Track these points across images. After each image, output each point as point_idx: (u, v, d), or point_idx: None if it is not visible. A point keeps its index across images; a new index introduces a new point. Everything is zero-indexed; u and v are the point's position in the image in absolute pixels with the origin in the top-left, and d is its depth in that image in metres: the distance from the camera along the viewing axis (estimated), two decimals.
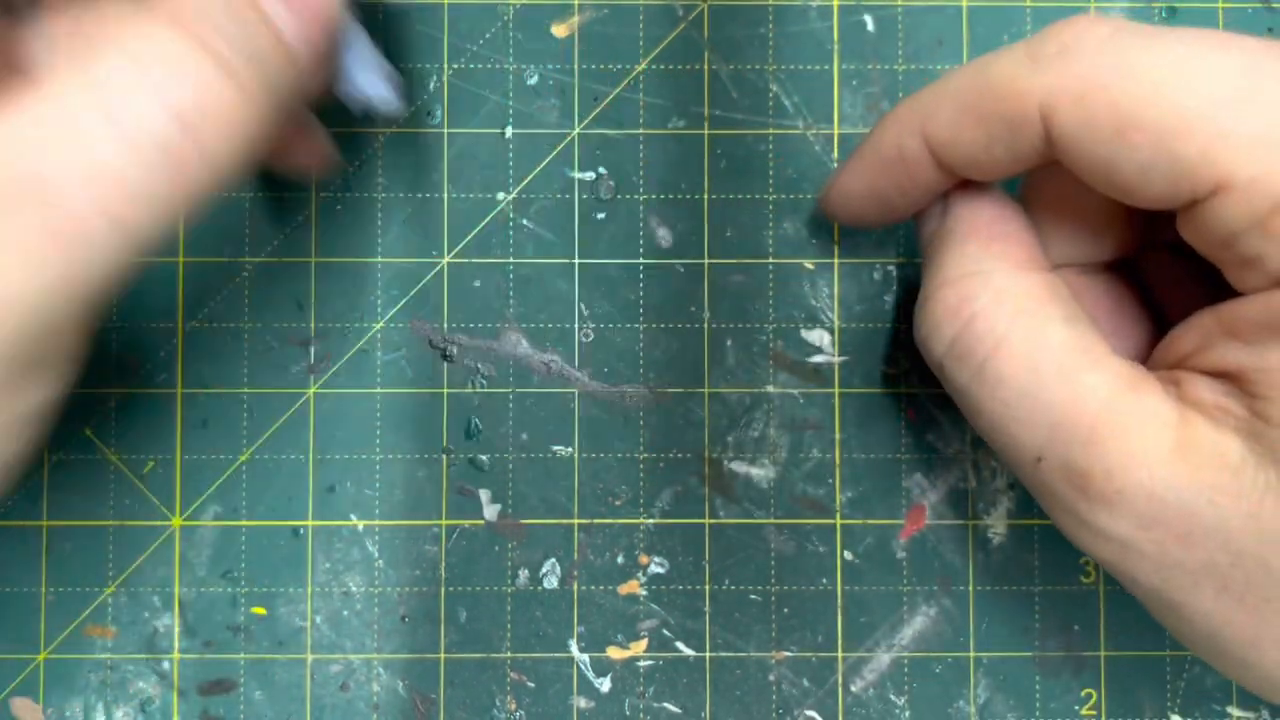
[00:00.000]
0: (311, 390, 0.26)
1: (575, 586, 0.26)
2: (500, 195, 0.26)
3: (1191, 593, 0.17)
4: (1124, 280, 0.23)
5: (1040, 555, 0.26)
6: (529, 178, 0.26)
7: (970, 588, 0.26)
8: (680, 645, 0.26)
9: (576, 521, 0.26)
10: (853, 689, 0.26)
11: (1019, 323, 0.19)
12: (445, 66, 0.26)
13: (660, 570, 0.26)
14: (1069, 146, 0.18)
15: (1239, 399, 0.17)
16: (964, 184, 0.21)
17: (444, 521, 0.26)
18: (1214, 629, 0.18)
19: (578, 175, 0.26)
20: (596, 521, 0.26)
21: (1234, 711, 0.26)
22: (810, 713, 0.25)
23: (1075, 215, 0.21)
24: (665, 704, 0.25)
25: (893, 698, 0.26)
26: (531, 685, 0.25)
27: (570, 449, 0.26)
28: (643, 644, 0.26)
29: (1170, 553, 0.17)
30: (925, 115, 0.20)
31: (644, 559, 0.26)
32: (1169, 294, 0.22)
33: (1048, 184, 0.22)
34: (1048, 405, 0.18)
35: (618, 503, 0.26)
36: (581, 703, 0.25)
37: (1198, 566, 0.17)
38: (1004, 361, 0.19)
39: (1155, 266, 0.22)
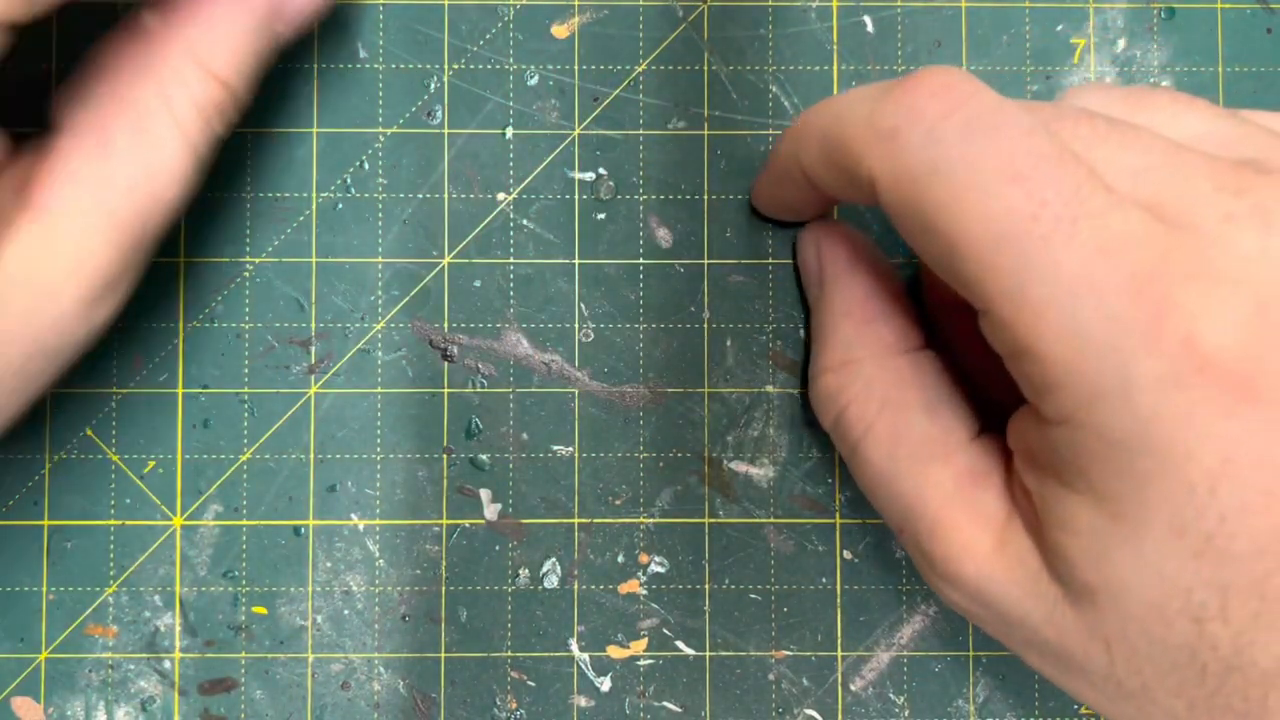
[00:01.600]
0: (312, 390, 0.26)
1: (575, 586, 0.26)
2: (500, 195, 0.26)
3: (1023, 655, 0.19)
4: None
5: None
6: (529, 178, 0.26)
7: None
8: (680, 644, 0.26)
9: (576, 521, 0.26)
10: (852, 688, 0.26)
11: (884, 413, 0.21)
12: (445, 67, 0.26)
13: (660, 569, 0.26)
14: (892, 219, 0.19)
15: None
16: (841, 247, 0.23)
17: (444, 521, 0.26)
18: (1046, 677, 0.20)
19: (578, 175, 0.26)
20: (596, 521, 0.26)
21: None
22: (810, 711, 0.26)
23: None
24: (665, 703, 0.26)
25: (892, 697, 0.26)
26: (532, 684, 0.25)
27: (570, 449, 0.26)
28: (643, 643, 0.26)
29: (997, 631, 0.19)
30: (799, 143, 0.21)
31: (644, 558, 0.26)
32: None
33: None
34: (900, 493, 0.20)
35: (618, 502, 0.26)
36: (582, 701, 0.26)
37: (1018, 645, 0.19)
38: (870, 448, 0.21)
39: None
